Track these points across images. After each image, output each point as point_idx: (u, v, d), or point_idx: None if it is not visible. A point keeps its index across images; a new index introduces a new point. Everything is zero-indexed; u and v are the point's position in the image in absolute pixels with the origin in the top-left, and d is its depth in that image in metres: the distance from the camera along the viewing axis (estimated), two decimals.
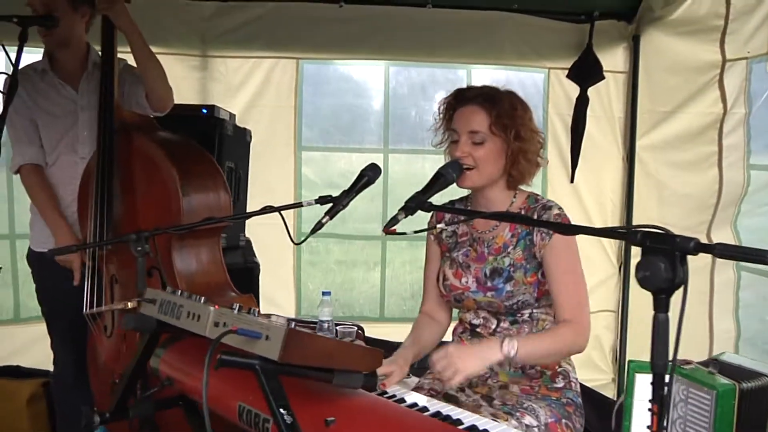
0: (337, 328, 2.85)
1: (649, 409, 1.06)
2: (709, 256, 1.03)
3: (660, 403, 1.06)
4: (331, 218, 1.78)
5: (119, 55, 2.64)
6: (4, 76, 2.25)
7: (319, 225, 1.77)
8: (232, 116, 3.48)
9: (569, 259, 1.99)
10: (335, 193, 1.85)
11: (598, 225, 4.07)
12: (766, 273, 3.49)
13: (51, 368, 2.89)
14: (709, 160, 3.67)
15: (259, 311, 1.42)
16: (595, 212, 4.18)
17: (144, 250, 1.96)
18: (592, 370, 4.09)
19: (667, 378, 1.05)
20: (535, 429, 1.84)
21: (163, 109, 2.69)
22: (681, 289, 1.04)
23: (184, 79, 3.85)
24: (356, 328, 2.98)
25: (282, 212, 1.89)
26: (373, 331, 3.41)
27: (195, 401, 1.75)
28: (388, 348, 1.96)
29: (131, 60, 2.65)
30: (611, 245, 4.18)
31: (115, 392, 1.80)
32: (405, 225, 1.63)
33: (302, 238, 1.95)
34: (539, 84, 4.18)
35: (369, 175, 1.85)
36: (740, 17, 3.41)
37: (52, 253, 2.33)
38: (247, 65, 4.00)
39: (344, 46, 4.11)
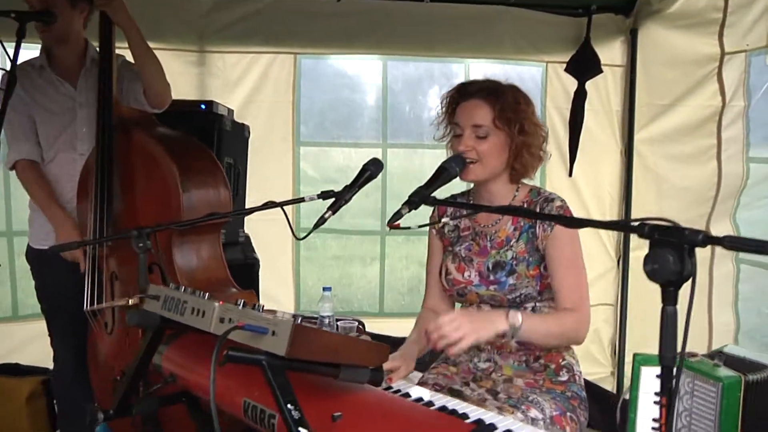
0: (338, 323, 2.85)
1: (657, 402, 1.06)
2: (709, 248, 1.02)
3: (669, 395, 1.06)
4: (333, 213, 1.78)
5: (117, 51, 2.63)
6: (2, 72, 2.23)
7: (322, 220, 1.77)
8: (231, 112, 3.47)
9: (572, 251, 1.99)
10: (334, 188, 1.84)
11: (596, 219, 4.06)
12: (766, 266, 3.50)
13: (50, 366, 2.88)
14: (708, 153, 3.68)
15: (263, 307, 1.41)
16: (594, 206, 4.17)
17: (146, 246, 1.95)
18: (591, 363, 4.08)
19: (674, 371, 1.05)
20: (541, 422, 1.83)
21: (161, 105, 2.67)
22: (688, 282, 1.03)
23: (182, 75, 3.83)
24: (357, 324, 2.98)
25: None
26: (373, 326, 3.40)
27: (198, 397, 1.75)
28: (390, 343, 1.95)
29: (129, 56, 2.64)
30: (610, 239, 4.18)
31: (118, 389, 1.79)
32: (407, 220, 1.63)
33: (304, 234, 1.95)
34: (537, 78, 4.17)
35: (371, 169, 1.84)
36: (739, 10, 3.41)
37: (55, 250, 2.32)
38: (245, 60, 3.98)
39: (342, 41, 4.10)
